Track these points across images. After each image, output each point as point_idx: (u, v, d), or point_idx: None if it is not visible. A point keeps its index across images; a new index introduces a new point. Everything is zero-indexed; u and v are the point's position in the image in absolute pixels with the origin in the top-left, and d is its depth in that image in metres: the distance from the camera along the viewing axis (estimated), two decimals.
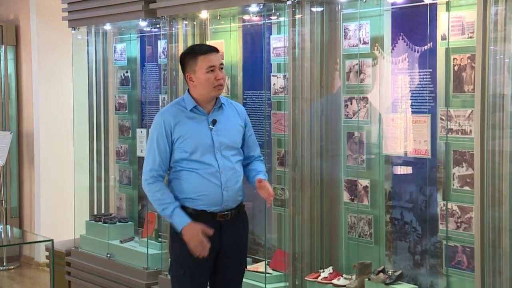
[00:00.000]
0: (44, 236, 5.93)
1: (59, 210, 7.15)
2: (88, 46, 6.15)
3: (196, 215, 3.48)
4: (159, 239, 5.43)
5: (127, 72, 6.17)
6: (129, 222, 6.01)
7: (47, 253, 6.24)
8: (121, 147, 6.21)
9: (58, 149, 7.17)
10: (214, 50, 3.55)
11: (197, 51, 3.54)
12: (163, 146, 3.50)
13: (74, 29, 6.08)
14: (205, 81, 3.48)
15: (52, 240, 4.98)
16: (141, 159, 6.00)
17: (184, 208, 3.50)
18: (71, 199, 6.23)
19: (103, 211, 6.21)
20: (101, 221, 5.97)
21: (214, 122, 3.52)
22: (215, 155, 3.49)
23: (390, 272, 4.03)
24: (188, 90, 3.58)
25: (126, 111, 6.17)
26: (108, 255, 5.71)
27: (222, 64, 3.53)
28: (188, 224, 3.43)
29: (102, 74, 6.19)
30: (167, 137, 3.49)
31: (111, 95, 6.26)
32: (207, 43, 5.22)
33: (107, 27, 5.97)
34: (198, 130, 3.50)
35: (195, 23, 5.21)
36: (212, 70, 3.47)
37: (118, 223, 5.93)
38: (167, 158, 3.52)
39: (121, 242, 5.75)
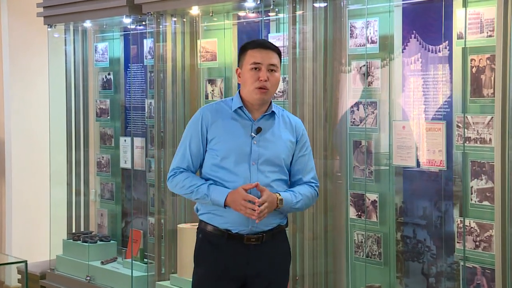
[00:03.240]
0: (16, 257, 5.91)
1: (33, 228, 7.14)
2: (66, 45, 6.17)
3: (220, 236, 3.36)
4: (145, 259, 5.43)
5: (109, 74, 6.18)
6: (112, 241, 6.01)
7: (20, 276, 6.23)
8: (103, 157, 6.21)
9: (32, 160, 7.17)
10: (267, 47, 3.41)
11: (249, 44, 3.44)
12: (195, 145, 3.42)
13: (51, 27, 6.10)
14: (247, 78, 3.37)
15: (25, 262, 4.97)
16: (124, 170, 6.01)
17: (206, 225, 3.40)
18: (46, 215, 6.23)
19: (82, 229, 6.21)
20: (80, 240, 5.97)
21: (258, 130, 3.38)
22: (249, 167, 3.36)
23: None
24: (239, 90, 3.50)
25: (108, 117, 6.18)
26: (88, 278, 5.71)
27: (274, 65, 3.37)
28: (229, 193, 3.30)
29: (82, 77, 6.21)
30: (201, 136, 3.41)
31: (91, 99, 6.27)
32: (198, 42, 5.24)
33: (87, 24, 5.99)
34: (237, 134, 3.38)
35: (185, 20, 5.23)
36: (256, 68, 3.36)
37: (99, 242, 5.93)
38: (198, 159, 3.43)
39: (102, 263, 5.75)
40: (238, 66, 3.47)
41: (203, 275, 3.42)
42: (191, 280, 3.51)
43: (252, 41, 3.51)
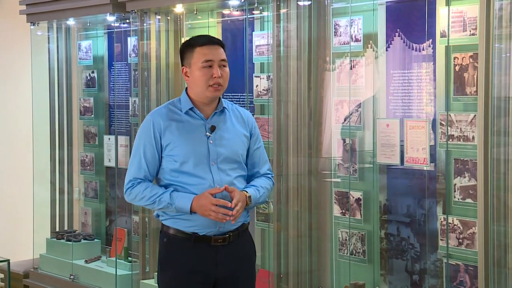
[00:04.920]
0: None
1: (16, 227, 7.11)
2: (49, 43, 6.15)
3: (186, 239, 3.33)
4: (129, 258, 5.42)
5: (93, 72, 6.16)
6: (96, 240, 6.00)
7: (2, 275, 6.20)
8: (87, 156, 6.20)
9: (15, 158, 7.14)
10: (215, 42, 3.40)
11: (195, 41, 3.40)
12: (150, 153, 3.36)
13: (33, 24, 6.07)
14: (199, 77, 3.34)
15: (8, 261, 4.97)
16: (108, 169, 6.00)
17: (170, 229, 3.37)
18: (30, 214, 6.20)
19: (66, 228, 6.19)
20: (63, 239, 5.95)
21: (212, 128, 3.37)
22: (210, 168, 3.34)
23: None
24: (186, 89, 3.45)
25: (92, 115, 6.16)
26: (72, 277, 5.69)
27: (224, 60, 3.37)
28: (194, 199, 3.27)
29: (65, 75, 6.19)
30: (155, 143, 3.35)
31: (75, 98, 6.25)
32: (182, 40, 5.24)
33: (71, 22, 5.97)
34: (192, 136, 3.35)
35: (169, 18, 5.23)
36: (209, 66, 3.33)
37: (83, 241, 5.92)
38: (154, 168, 3.38)
39: (86, 262, 5.74)
40: (183, 65, 3.41)
41: (172, 280, 3.37)
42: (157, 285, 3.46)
43: (197, 37, 3.46)
